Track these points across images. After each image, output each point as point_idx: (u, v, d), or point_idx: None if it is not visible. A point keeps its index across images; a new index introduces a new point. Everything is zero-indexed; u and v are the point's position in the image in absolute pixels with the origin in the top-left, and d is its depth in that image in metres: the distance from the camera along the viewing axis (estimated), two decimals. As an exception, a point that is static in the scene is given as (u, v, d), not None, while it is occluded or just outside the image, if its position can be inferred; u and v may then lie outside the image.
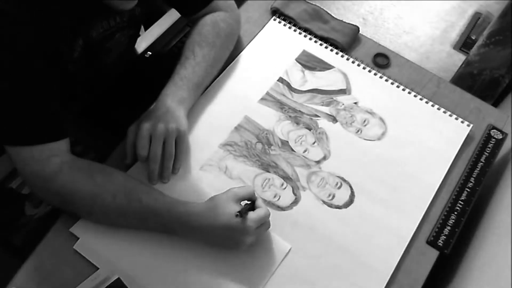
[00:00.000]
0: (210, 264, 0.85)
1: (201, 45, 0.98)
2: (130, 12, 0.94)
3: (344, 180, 0.97)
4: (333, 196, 0.95)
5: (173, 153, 0.89)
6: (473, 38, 2.06)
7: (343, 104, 1.06)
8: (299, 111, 1.04)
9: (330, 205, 0.94)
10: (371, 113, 1.05)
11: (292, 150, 0.99)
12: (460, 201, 0.97)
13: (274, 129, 1.01)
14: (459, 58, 2.00)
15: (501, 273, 0.79)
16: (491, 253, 0.89)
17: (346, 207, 0.94)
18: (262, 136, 1.00)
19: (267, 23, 1.15)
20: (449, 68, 1.96)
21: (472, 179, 0.99)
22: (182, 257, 0.86)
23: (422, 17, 2.14)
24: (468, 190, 0.98)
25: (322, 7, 1.18)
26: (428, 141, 1.03)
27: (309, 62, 1.10)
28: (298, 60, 1.10)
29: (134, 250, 0.85)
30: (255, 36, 1.12)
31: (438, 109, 1.07)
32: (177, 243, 0.86)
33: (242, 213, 0.80)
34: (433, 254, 0.92)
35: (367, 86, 1.08)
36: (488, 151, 1.03)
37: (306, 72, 1.09)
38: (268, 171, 0.96)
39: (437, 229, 0.94)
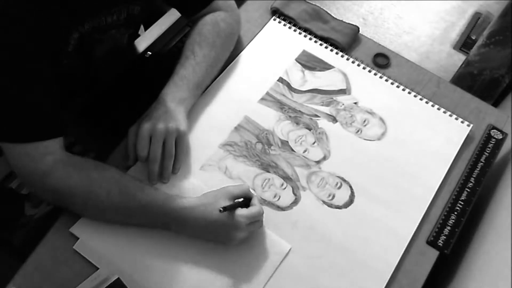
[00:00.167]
0: (210, 264, 0.86)
1: (201, 45, 0.98)
2: (128, 11, 0.94)
3: (344, 180, 0.97)
4: (333, 196, 0.95)
5: (173, 153, 0.89)
6: (473, 38, 2.06)
7: (343, 104, 1.06)
8: (299, 111, 1.04)
9: (330, 205, 0.94)
10: (371, 113, 1.05)
11: (292, 150, 0.99)
12: (460, 201, 0.97)
13: (274, 129, 1.01)
14: (459, 58, 2.00)
15: (501, 273, 0.79)
16: (491, 253, 0.89)
17: (346, 207, 0.94)
18: (262, 136, 1.00)
19: (267, 23, 1.15)
20: (449, 68, 1.96)
21: (472, 179, 0.99)
22: (182, 257, 0.86)
23: (422, 17, 2.14)
24: (468, 190, 0.98)
25: (322, 7, 1.18)
26: (428, 141, 1.03)
27: (309, 62, 1.10)
28: (298, 60, 1.10)
29: (134, 250, 0.85)
30: (255, 36, 1.12)
31: (438, 109, 1.07)
32: (177, 243, 0.86)
33: (227, 209, 0.81)
34: (433, 254, 0.92)
35: (367, 86, 1.08)
36: (488, 151, 1.03)
37: (306, 72, 1.09)
38: (268, 171, 0.96)
39: (437, 229, 0.93)
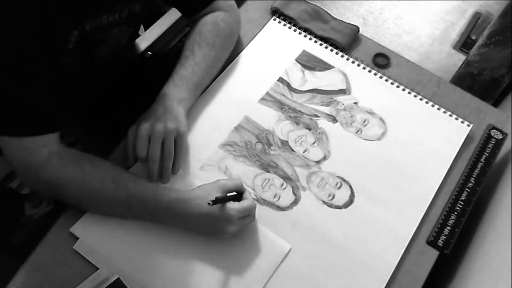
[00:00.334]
0: (210, 264, 0.86)
1: (201, 45, 0.98)
2: (129, 9, 0.94)
3: (344, 180, 0.97)
4: (333, 196, 0.95)
5: (172, 153, 0.89)
6: (473, 38, 2.06)
7: (343, 104, 1.06)
8: (299, 111, 1.04)
9: (330, 205, 0.94)
10: (371, 113, 1.05)
11: (292, 150, 0.99)
12: (460, 201, 0.97)
13: (274, 129, 1.01)
14: (459, 58, 2.00)
15: (501, 273, 0.79)
16: (491, 253, 0.89)
17: (346, 207, 0.94)
18: (262, 136, 1.00)
19: (267, 23, 1.15)
20: (449, 68, 1.96)
21: (472, 179, 0.99)
22: (182, 257, 0.86)
23: (422, 17, 2.14)
24: (468, 190, 0.98)
25: (322, 7, 1.18)
26: (428, 141, 1.03)
27: (309, 62, 1.10)
28: (298, 60, 1.10)
29: (134, 250, 0.85)
30: (255, 36, 1.12)
31: (438, 109, 1.07)
32: (178, 243, 0.86)
33: (218, 201, 0.81)
34: (433, 254, 0.92)
35: (367, 86, 1.08)
36: (488, 151, 1.03)
37: (306, 72, 1.09)
38: (268, 171, 0.96)
39: (437, 229, 0.93)
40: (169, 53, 1.24)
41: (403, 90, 1.08)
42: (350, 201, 0.95)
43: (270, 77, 1.07)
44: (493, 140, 1.04)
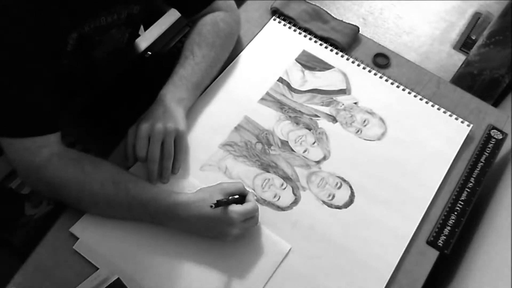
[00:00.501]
0: (210, 264, 0.86)
1: (201, 45, 0.98)
2: (128, 10, 0.94)
3: (344, 180, 0.97)
4: (333, 196, 0.95)
5: (172, 153, 0.89)
6: (473, 38, 2.06)
7: (343, 104, 1.06)
8: (299, 111, 1.04)
9: (330, 205, 0.94)
10: (371, 113, 1.05)
11: (292, 150, 0.99)
12: (460, 201, 0.97)
13: (274, 129, 1.01)
14: (459, 58, 2.00)
15: (501, 273, 0.79)
16: (491, 253, 0.89)
17: (346, 207, 0.94)
18: (262, 136, 1.00)
19: (267, 23, 1.15)
20: (449, 68, 1.96)
21: (472, 179, 0.99)
22: (183, 257, 0.86)
23: (422, 17, 2.14)
24: (468, 190, 0.98)
25: (322, 7, 1.18)
26: (428, 141, 1.03)
27: (309, 62, 1.10)
28: (298, 60, 1.10)
29: (134, 250, 0.85)
30: (255, 36, 1.12)
31: (438, 109, 1.07)
32: (178, 243, 0.86)
33: (219, 204, 0.81)
34: (433, 254, 0.92)
35: (367, 86, 1.08)
36: (488, 151, 1.03)
37: (306, 72, 1.09)
38: (268, 171, 0.96)
39: (437, 229, 0.93)
40: (169, 53, 1.24)
41: (403, 90, 1.08)
42: (350, 201, 0.95)
43: (270, 77, 1.07)
44: (493, 140, 1.04)
